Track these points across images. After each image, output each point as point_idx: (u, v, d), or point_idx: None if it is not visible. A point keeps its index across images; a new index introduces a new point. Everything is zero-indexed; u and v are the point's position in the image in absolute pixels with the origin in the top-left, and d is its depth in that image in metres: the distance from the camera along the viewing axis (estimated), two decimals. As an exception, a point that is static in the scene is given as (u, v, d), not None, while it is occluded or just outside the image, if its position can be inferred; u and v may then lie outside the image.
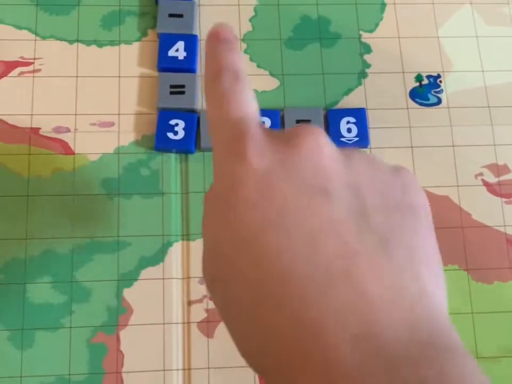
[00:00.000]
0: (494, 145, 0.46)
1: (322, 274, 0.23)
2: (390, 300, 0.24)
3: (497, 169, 0.45)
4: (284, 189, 0.25)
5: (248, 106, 0.28)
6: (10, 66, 0.45)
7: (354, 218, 0.25)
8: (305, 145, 0.26)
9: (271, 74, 0.47)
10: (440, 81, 0.47)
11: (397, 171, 0.28)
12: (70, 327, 0.40)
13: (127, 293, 0.41)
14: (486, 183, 0.45)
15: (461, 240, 0.44)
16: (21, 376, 0.39)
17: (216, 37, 0.31)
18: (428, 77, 0.47)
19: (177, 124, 0.44)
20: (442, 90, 0.47)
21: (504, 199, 0.45)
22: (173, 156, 0.44)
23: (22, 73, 0.45)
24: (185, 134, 0.44)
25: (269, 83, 0.46)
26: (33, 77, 0.45)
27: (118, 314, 0.41)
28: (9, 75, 0.45)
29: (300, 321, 0.23)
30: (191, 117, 0.44)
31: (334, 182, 0.25)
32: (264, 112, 0.45)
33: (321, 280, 0.23)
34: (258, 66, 0.47)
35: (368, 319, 0.23)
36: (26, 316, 0.40)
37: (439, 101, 0.47)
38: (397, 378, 0.22)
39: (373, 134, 0.45)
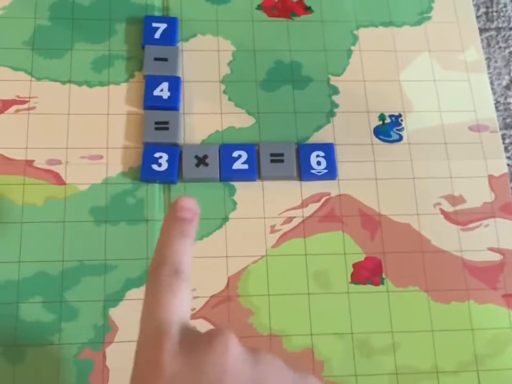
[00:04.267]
0: (451, 177, 0.50)
1: None
2: None
3: (453, 199, 0.49)
4: None
5: (177, 307, 0.30)
6: (7, 104, 0.49)
7: None
8: (214, 347, 0.28)
9: (248, 113, 0.51)
10: (402, 120, 0.52)
11: (304, 379, 0.30)
12: (59, 344, 0.43)
13: (113, 312, 0.44)
14: (443, 212, 0.49)
15: (421, 264, 0.47)
16: (12, 390, 0.42)
17: (174, 212, 0.33)
18: (390, 116, 0.52)
19: (161, 157, 0.48)
20: (403, 128, 0.51)
21: (460, 227, 0.49)
22: (156, 186, 0.48)
23: (18, 110, 0.49)
24: (168, 166, 0.48)
25: (246, 121, 0.51)
26: (29, 114, 0.49)
27: (104, 332, 0.44)
28: (6, 112, 0.49)
29: None
30: (174, 150, 0.48)
31: (237, 380, 0.27)
32: (241, 146, 0.49)
33: None
34: (236, 105, 0.51)
35: None
36: (18, 333, 0.43)
37: (401, 138, 0.51)
38: None
39: (340, 167, 0.49)
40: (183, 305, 0.31)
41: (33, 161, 0.48)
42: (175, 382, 0.27)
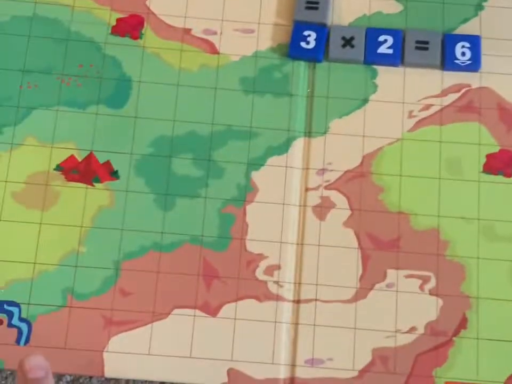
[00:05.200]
0: None
1: None
2: None
3: None
4: None
5: None
6: (169, -26, 0.52)
7: None
8: None
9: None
10: (553, 18, 0.51)
11: None
12: (205, 197, 0.47)
13: (255, 175, 0.48)
14: None
15: None
16: (162, 232, 0.47)
17: (26, 375, 0.32)
18: (541, 13, 0.51)
19: (309, 35, 0.50)
20: (553, 26, 0.51)
21: None
22: (302, 63, 0.50)
23: (178, -19, 0.52)
24: (316, 44, 0.50)
25: (394, 7, 0.51)
26: (188, -15, 0.52)
27: (246, 192, 0.48)
28: (167, -18, 0.52)
29: None
30: (322, 30, 0.50)
31: None
32: (387, 31, 0.50)
33: None
34: (385, -9, 0.52)
35: None
36: (170, 184, 0.48)
37: (549, 36, 0.51)
38: None
39: (484, 60, 0.50)
40: None
41: (191, 29, 0.51)
42: None
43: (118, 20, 0.51)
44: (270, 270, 0.46)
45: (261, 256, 0.47)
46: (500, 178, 0.48)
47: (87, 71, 0.49)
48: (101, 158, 0.48)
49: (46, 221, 0.46)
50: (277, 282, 0.46)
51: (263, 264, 0.46)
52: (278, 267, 0.46)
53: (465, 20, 0.51)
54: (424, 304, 0.45)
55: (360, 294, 0.46)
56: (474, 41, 0.50)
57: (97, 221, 0.47)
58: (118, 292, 0.45)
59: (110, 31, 0.51)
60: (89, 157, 0.48)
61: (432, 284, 0.46)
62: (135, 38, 0.51)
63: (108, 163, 0.48)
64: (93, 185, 0.47)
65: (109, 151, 0.48)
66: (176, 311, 0.45)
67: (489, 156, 0.49)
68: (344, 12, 0.52)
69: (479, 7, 0.52)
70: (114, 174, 0.48)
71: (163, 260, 0.46)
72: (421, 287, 0.46)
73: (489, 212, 0.47)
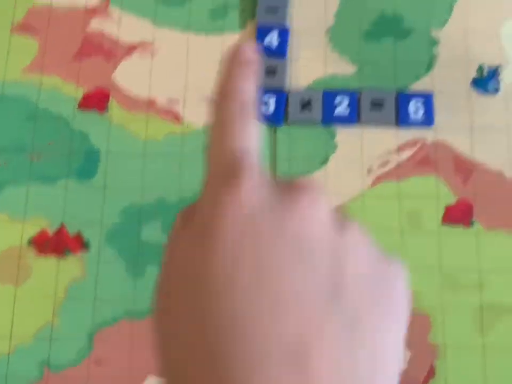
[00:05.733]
0: (545, 129, 0.52)
1: (280, 351, 0.21)
2: None
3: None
4: (263, 238, 0.23)
5: (250, 141, 0.26)
6: (132, 48, 0.55)
7: (326, 292, 0.22)
8: (303, 200, 0.23)
9: (351, 61, 0.54)
10: (500, 73, 0.53)
11: (393, 261, 0.26)
12: (175, 263, 0.49)
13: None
14: (536, 161, 0.51)
15: (510, 208, 0.50)
16: (134, 300, 0.48)
17: (234, 56, 0.28)
18: (489, 68, 0.54)
19: (268, 100, 0.52)
20: (501, 80, 0.53)
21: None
22: (264, 127, 0.52)
23: (142, 54, 0.54)
24: (275, 109, 0.52)
25: (349, 68, 0.54)
26: (152, 57, 0.54)
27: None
28: (131, 55, 0.54)
29: None
30: (281, 95, 0.52)
31: (318, 249, 0.23)
32: (343, 92, 0.52)
33: (277, 359, 0.21)
34: (340, 53, 0.54)
35: None
36: (140, 252, 0.49)
37: (498, 90, 0.53)
38: None
39: (438, 115, 0.52)
40: (255, 141, 0.26)
41: (155, 100, 0.53)
42: (253, 222, 0.23)
43: (85, 95, 0.53)
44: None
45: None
46: (459, 229, 0.50)
47: (56, 146, 0.51)
48: (72, 229, 0.49)
49: (20, 295, 0.48)
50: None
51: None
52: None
53: (417, 77, 0.54)
54: (393, 356, 0.47)
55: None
56: (426, 99, 0.52)
57: (70, 292, 0.48)
58: (92, 361, 0.46)
59: (77, 106, 0.53)
60: (60, 230, 0.49)
61: (399, 335, 0.47)
62: (102, 111, 0.53)
63: (78, 234, 0.49)
64: (64, 257, 0.49)
65: (80, 222, 0.50)
66: (151, 377, 0.46)
67: (448, 208, 0.50)
68: (301, 75, 0.54)
69: (431, 64, 0.54)
70: (85, 245, 0.49)
71: (136, 327, 0.47)
72: (389, 340, 0.47)
73: (451, 262, 0.49)
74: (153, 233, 0.49)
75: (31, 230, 0.49)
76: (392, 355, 0.23)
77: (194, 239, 0.23)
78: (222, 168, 0.25)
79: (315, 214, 0.23)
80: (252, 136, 0.26)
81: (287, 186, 0.24)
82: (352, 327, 0.22)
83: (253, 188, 0.23)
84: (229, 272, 0.22)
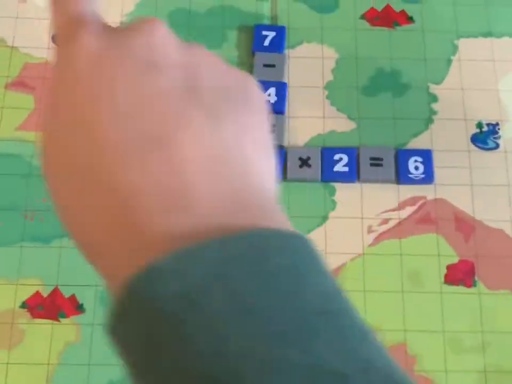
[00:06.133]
0: (546, 186, 0.52)
1: (143, 140, 0.24)
2: (210, 169, 0.24)
3: (548, 207, 0.51)
4: (114, 64, 0.25)
5: (89, 3, 0.28)
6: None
7: (183, 91, 0.25)
8: (142, 26, 0.26)
9: (349, 118, 0.54)
10: (499, 129, 0.53)
11: (244, 74, 0.28)
12: None
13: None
14: (537, 219, 0.51)
15: (513, 268, 0.49)
16: (130, 364, 0.47)
17: None
18: (488, 124, 0.53)
19: (267, 158, 0.52)
20: (500, 136, 0.53)
21: (554, 234, 0.50)
22: (262, 184, 0.52)
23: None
24: (274, 166, 0.51)
25: (347, 125, 0.54)
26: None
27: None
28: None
29: (116, 186, 0.24)
30: (279, 152, 0.52)
31: (166, 59, 0.25)
32: (342, 149, 0.52)
33: (142, 146, 0.24)
34: (338, 110, 0.54)
35: (184, 187, 0.23)
36: None
37: (497, 146, 0.53)
38: (205, 250, 0.22)
39: (437, 172, 0.52)
40: (94, 4, 0.28)
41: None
42: (101, 56, 0.25)
43: (80, 152, 0.52)
44: None
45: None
46: (462, 288, 0.49)
47: (50, 205, 0.50)
48: (66, 292, 0.48)
49: (13, 361, 0.46)
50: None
51: None
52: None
53: (416, 134, 0.53)
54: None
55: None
56: (426, 156, 0.52)
57: (64, 357, 0.46)
58: (87, 431, 0.45)
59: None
60: (54, 292, 0.48)
61: (402, 400, 0.46)
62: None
63: (73, 297, 0.48)
64: (58, 320, 0.47)
65: (74, 285, 0.48)
66: None
67: (450, 267, 0.50)
68: (300, 132, 0.54)
69: (429, 121, 0.54)
70: (79, 308, 0.48)
71: (132, 394, 0.46)
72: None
73: (454, 324, 0.48)
74: (150, 294, 0.48)
75: (25, 292, 0.48)
76: (259, 129, 0.26)
77: (61, 87, 0.26)
78: (64, 25, 0.27)
79: (159, 35, 0.26)
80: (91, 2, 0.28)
81: (129, 25, 0.27)
82: (214, 118, 0.25)
83: (93, 33, 0.26)
84: (87, 102, 0.25)
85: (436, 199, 0.51)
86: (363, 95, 0.55)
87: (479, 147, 0.53)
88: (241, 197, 0.24)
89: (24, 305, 0.48)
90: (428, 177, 0.51)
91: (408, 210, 0.51)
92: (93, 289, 0.48)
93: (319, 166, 0.52)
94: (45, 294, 0.48)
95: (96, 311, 0.48)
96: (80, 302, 0.48)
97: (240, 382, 0.20)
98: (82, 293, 0.48)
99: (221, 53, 0.55)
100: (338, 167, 0.52)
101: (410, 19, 0.57)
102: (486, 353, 0.47)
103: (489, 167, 0.52)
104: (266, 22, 0.57)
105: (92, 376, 0.46)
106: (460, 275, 0.49)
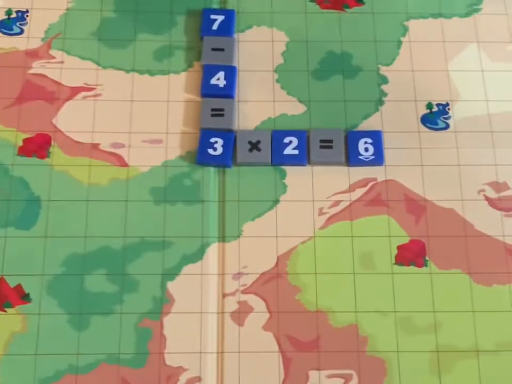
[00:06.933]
0: (496, 165, 0.52)
1: None
2: None
3: (497, 186, 0.51)
4: None
5: None
6: (75, 91, 0.53)
7: None
8: None
9: (299, 101, 0.53)
10: (449, 109, 0.53)
11: None
12: (121, 313, 0.47)
13: (171, 285, 0.48)
14: (487, 198, 0.51)
15: (464, 247, 0.49)
16: (77, 354, 0.46)
17: None
18: (438, 105, 0.53)
19: (216, 142, 0.51)
20: (450, 116, 0.53)
21: (504, 212, 0.50)
22: (212, 169, 0.51)
23: (85, 97, 0.53)
24: (223, 150, 0.51)
25: (297, 108, 0.53)
26: (95, 100, 0.53)
27: (163, 303, 0.47)
28: (74, 98, 0.53)
29: None
30: (229, 136, 0.51)
31: None
32: (292, 132, 0.52)
33: None
34: (288, 93, 0.54)
35: None
36: (84, 302, 0.47)
37: (447, 126, 0.53)
38: None
39: (387, 154, 0.51)
40: None
41: (99, 144, 0.52)
42: None
43: (25, 140, 0.51)
44: (190, 383, 0.45)
45: (180, 370, 0.46)
46: (413, 268, 0.49)
47: (-5, 194, 0.49)
48: (12, 282, 0.47)
49: (-44, 353, 0.45)
50: (197, 396, 0.45)
51: (183, 378, 0.45)
52: (199, 379, 0.45)
53: (367, 116, 0.53)
54: (348, 404, 0.45)
55: (283, 400, 0.45)
56: (375, 137, 0.52)
57: (10, 348, 0.45)
58: (33, 422, 0.44)
59: (16, 152, 0.51)
60: (0, 282, 0.47)
61: (354, 382, 0.46)
62: (42, 157, 0.51)
63: (19, 287, 0.47)
64: (4, 310, 0.46)
65: (20, 274, 0.47)
66: None
67: (400, 247, 0.49)
68: (250, 116, 0.53)
69: (380, 102, 0.54)
70: (25, 298, 0.47)
71: (80, 383, 0.45)
72: (343, 387, 0.46)
73: (405, 304, 0.48)
74: (97, 282, 0.47)
75: (-32, 283, 0.47)
76: None
77: None
78: None
79: None
80: None
81: None
82: None
83: None
84: None
85: (386, 181, 0.51)
86: (313, 78, 0.54)
87: (429, 128, 0.53)
88: None
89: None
90: (378, 159, 0.51)
91: (359, 192, 0.51)
92: (39, 278, 0.47)
93: (269, 150, 0.51)
94: (-11, 284, 0.47)
95: (43, 300, 0.47)
96: (26, 292, 0.47)
97: None
98: (28, 283, 0.47)
99: (169, 38, 0.55)
100: (288, 150, 0.51)
101: (360, 1, 0.57)
102: (438, 333, 0.47)
103: (439, 147, 0.52)
104: (215, 6, 0.57)
105: (39, 366, 0.45)
106: (411, 255, 0.49)
